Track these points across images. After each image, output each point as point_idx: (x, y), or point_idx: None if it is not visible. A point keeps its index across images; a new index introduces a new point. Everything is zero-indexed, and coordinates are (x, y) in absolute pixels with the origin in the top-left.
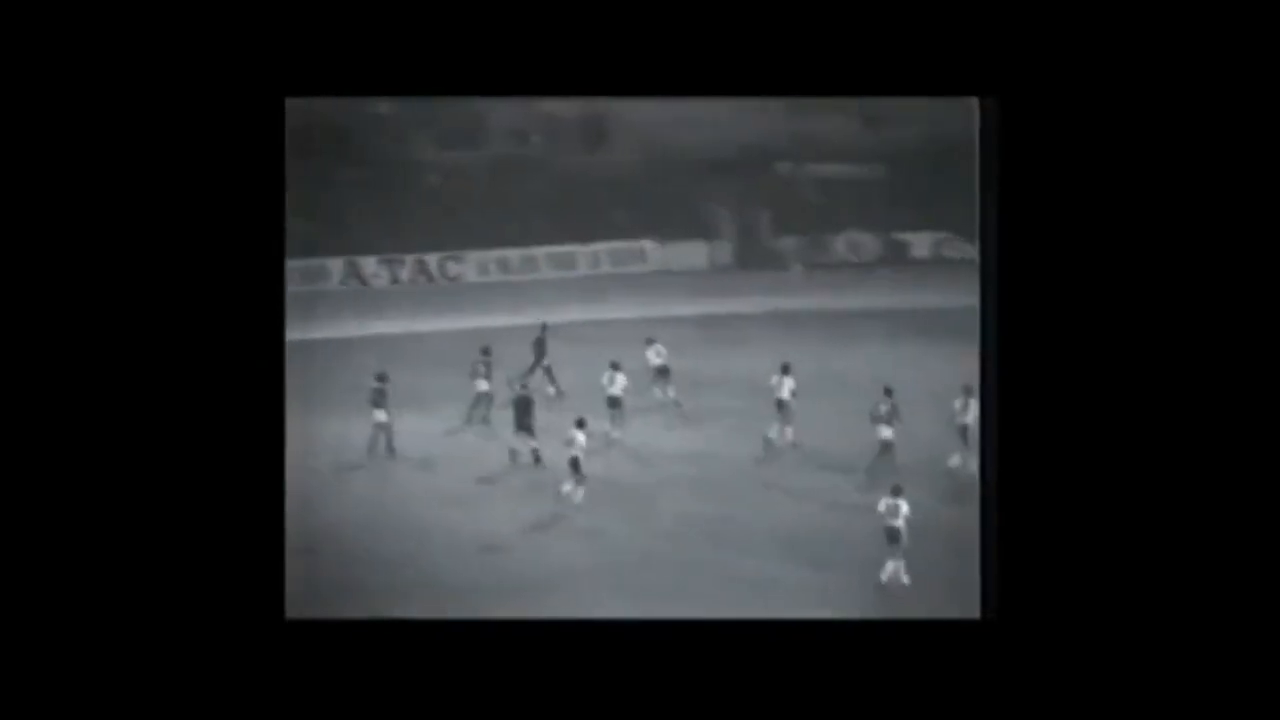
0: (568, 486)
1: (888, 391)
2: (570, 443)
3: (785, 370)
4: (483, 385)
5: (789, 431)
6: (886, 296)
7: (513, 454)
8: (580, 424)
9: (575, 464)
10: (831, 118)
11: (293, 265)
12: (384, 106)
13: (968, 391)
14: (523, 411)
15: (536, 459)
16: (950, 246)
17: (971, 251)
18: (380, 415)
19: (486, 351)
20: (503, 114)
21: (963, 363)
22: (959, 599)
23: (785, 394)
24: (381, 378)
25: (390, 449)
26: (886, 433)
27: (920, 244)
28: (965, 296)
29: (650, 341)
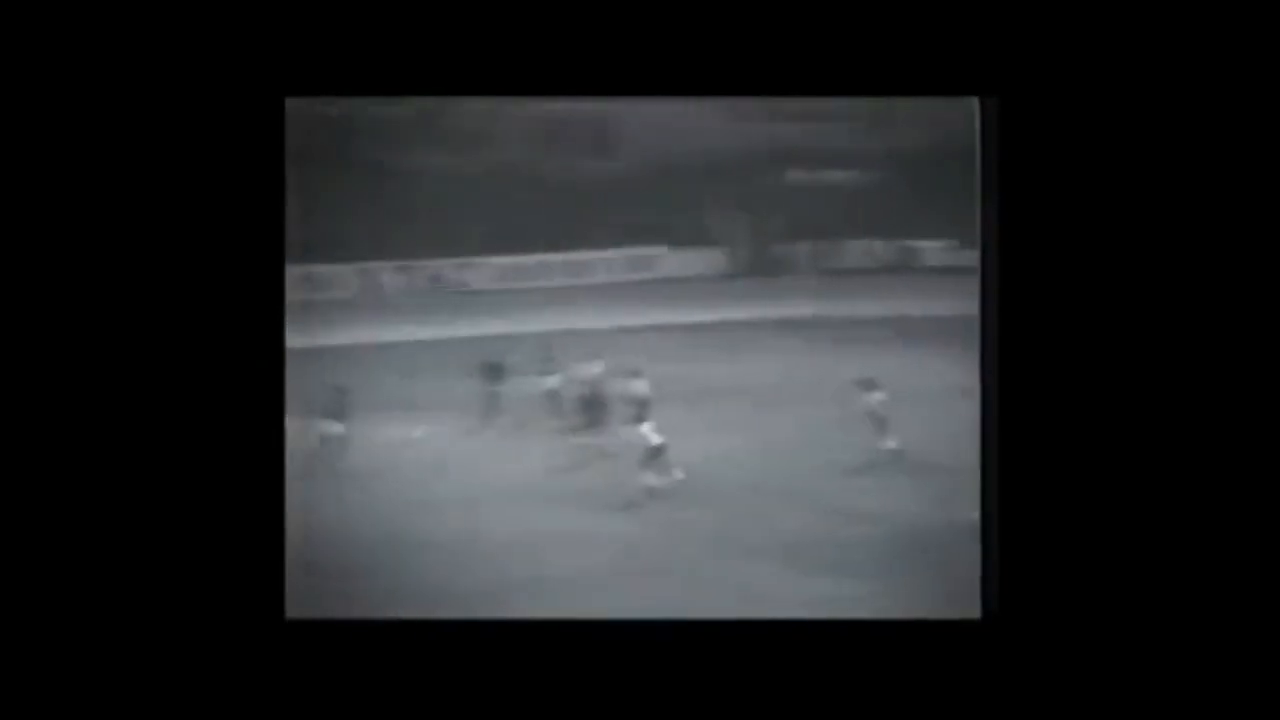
0: (679, 473)
1: None
2: (656, 432)
3: (869, 385)
4: (336, 427)
5: (890, 441)
6: (897, 303)
7: (583, 450)
8: (640, 419)
9: (658, 451)
10: (841, 123)
11: (302, 272)
12: (388, 110)
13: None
14: (593, 410)
15: (607, 453)
16: (961, 253)
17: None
18: (336, 427)
19: (340, 390)
20: (510, 118)
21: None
22: (959, 599)
23: (877, 406)
24: (341, 389)
25: (340, 462)
26: None
27: (931, 251)
28: (975, 304)
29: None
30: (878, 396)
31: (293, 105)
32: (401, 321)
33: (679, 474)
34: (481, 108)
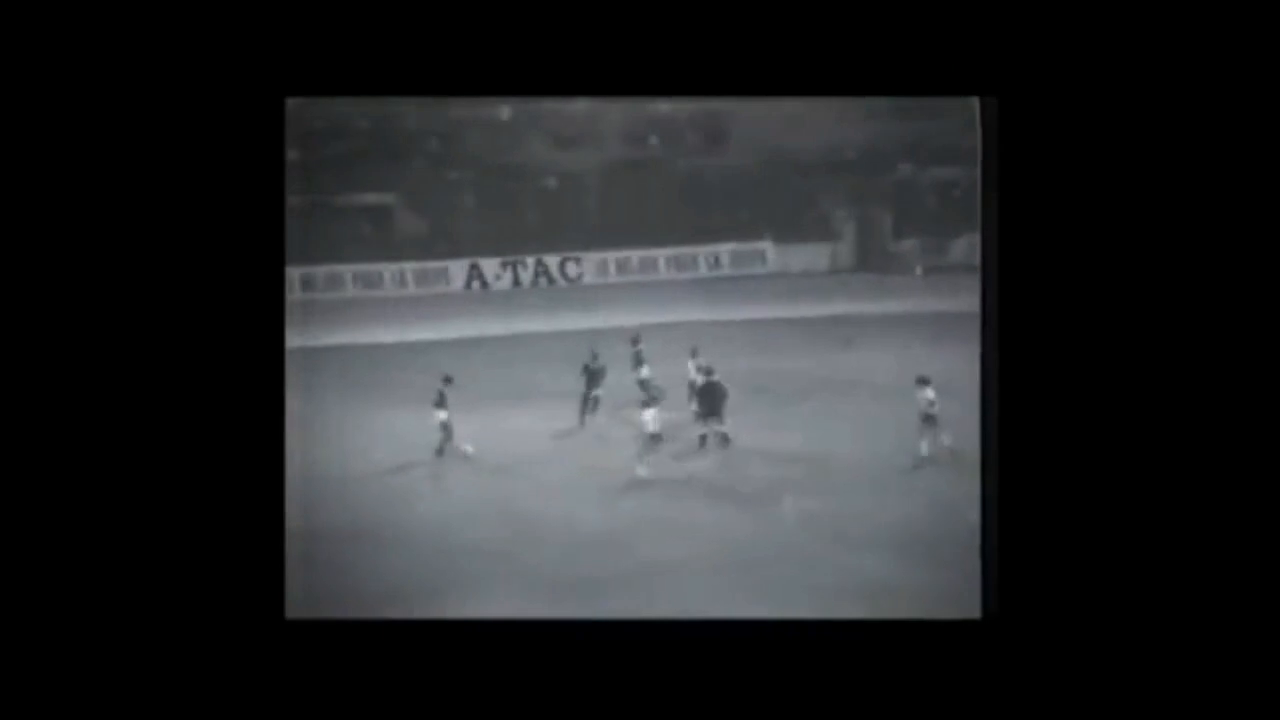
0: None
1: None
2: (650, 420)
3: (922, 382)
4: (441, 415)
5: (945, 438)
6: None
7: (702, 439)
8: (646, 404)
9: (655, 440)
10: (950, 120)
11: (408, 268)
12: (492, 110)
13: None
14: (713, 397)
15: (725, 440)
16: None
17: None
18: (442, 415)
19: (448, 380)
20: (619, 116)
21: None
22: (959, 599)
23: (927, 407)
24: (447, 380)
25: (450, 447)
26: None
27: None
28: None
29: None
30: (928, 394)
31: (405, 108)
32: (507, 315)
33: (643, 471)
34: (587, 106)
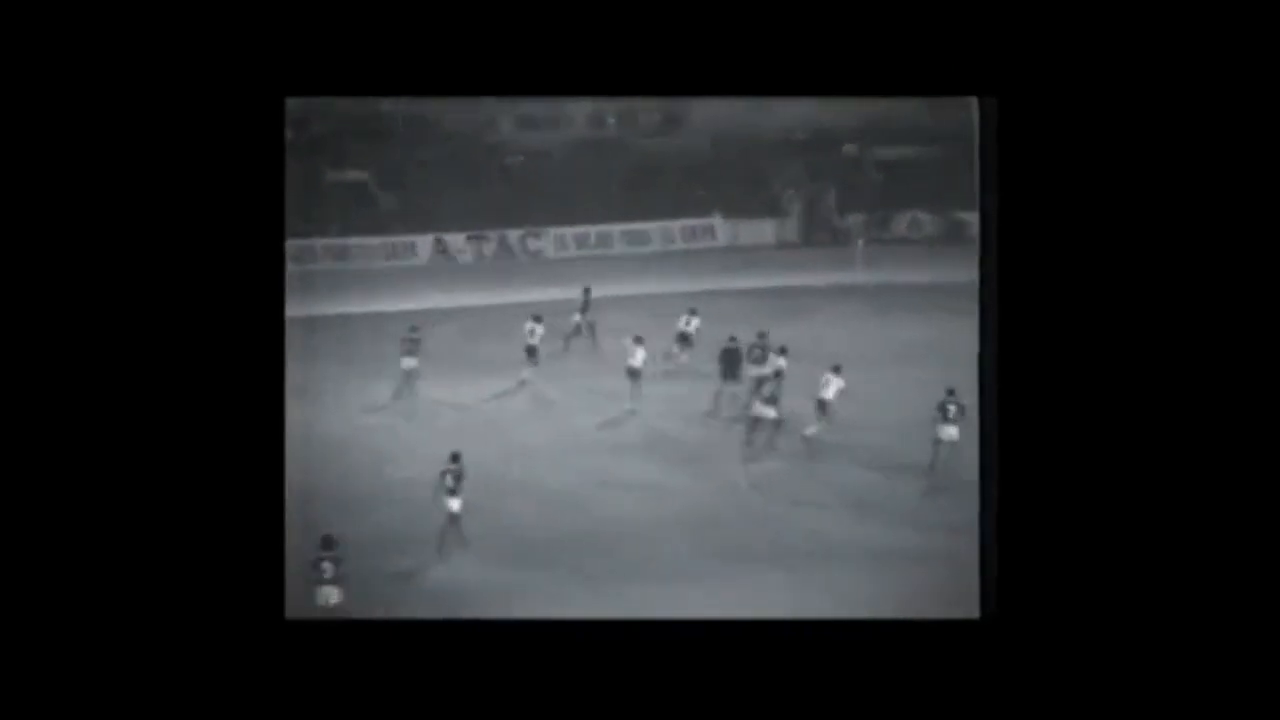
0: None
1: None
2: (531, 333)
3: (836, 370)
4: (410, 363)
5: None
6: (943, 271)
7: (716, 398)
8: (538, 319)
9: (532, 351)
10: (897, 102)
11: (378, 242)
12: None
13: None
14: (731, 362)
15: (735, 400)
16: None
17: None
18: (410, 363)
19: (414, 329)
20: (581, 99)
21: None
22: (959, 599)
23: (830, 394)
24: (414, 329)
25: (412, 391)
26: None
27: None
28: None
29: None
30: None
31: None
32: (472, 287)
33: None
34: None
